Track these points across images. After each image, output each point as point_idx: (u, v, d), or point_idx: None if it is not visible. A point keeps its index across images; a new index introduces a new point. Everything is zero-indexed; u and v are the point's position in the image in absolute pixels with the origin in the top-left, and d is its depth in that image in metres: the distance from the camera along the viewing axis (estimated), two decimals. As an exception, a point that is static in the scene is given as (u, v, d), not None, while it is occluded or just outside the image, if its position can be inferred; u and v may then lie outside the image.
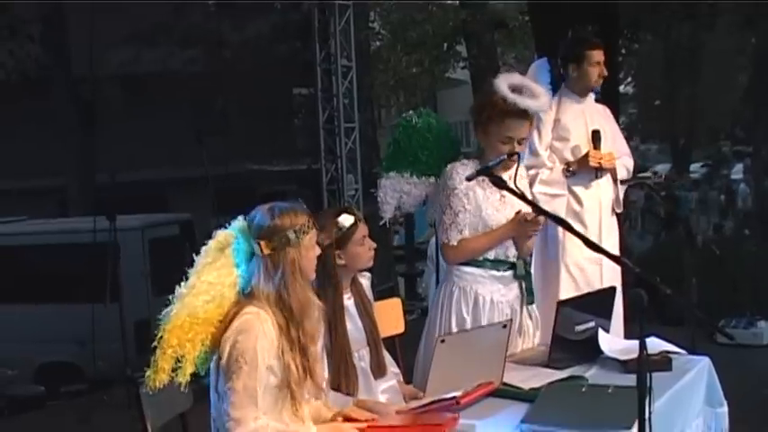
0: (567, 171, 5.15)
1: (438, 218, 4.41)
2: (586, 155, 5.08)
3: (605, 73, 5.23)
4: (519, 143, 4.30)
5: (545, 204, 5.01)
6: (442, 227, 4.35)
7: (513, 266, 4.45)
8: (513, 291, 4.47)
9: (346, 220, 3.82)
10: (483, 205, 4.33)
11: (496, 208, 4.34)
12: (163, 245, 10.58)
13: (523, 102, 4.24)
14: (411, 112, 4.73)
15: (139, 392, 3.40)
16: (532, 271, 5.06)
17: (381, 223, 4.71)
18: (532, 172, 5.09)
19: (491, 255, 4.39)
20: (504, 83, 4.30)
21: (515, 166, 4.04)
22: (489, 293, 4.38)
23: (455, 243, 4.33)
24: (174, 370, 3.11)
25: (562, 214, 5.01)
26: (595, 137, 5.12)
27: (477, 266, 4.38)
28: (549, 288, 5.07)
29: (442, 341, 3.62)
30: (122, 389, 7.75)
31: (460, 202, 4.30)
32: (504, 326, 3.87)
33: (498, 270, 4.41)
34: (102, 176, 16.86)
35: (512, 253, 4.44)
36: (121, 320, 8.40)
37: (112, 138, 18.87)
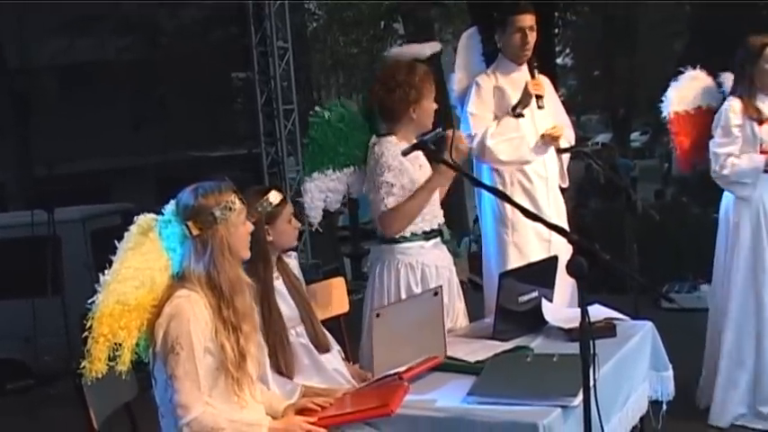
0: (513, 113, 5.07)
1: (373, 194, 4.41)
2: (526, 88, 5.02)
3: (529, 39, 5.09)
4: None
5: (509, 153, 5.00)
6: (378, 197, 4.37)
7: (440, 233, 4.55)
8: (445, 252, 4.60)
9: (275, 197, 3.84)
10: (414, 177, 4.40)
11: (421, 176, 4.43)
12: (105, 235, 10.35)
13: (426, 49, 4.44)
14: (317, 108, 4.68)
15: (81, 385, 3.35)
16: (484, 249, 5.13)
17: (314, 229, 4.71)
18: (480, 134, 5.07)
19: (427, 226, 4.46)
20: (406, 49, 4.45)
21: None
22: (433, 262, 4.47)
23: (393, 207, 4.35)
24: (113, 359, 3.07)
25: (527, 156, 5.07)
26: (531, 65, 5.11)
27: (416, 240, 4.44)
28: (501, 267, 5.03)
29: (378, 315, 3.64)
30: (69, 383, 7.63)
31: (396, 178, 4.34)
32: (436, 293, 3.91)
33: (433, 239, 4.51)
34: (40, 169, 16.63)
35: (439, 219, 4.56)
36: (65, 313, 8.29)
37: (49, 129, 18.62)
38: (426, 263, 4.45)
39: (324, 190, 4.60)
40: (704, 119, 5.59)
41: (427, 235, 4.48)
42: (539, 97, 5.02)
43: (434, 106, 4.47)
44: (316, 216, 4.61)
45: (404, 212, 4.36)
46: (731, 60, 5.52)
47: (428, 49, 4.72)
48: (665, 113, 5.62)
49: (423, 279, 4.41)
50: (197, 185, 3.24)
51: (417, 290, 4.38)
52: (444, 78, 5.39)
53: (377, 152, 4.39)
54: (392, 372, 3.51)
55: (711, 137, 5.45)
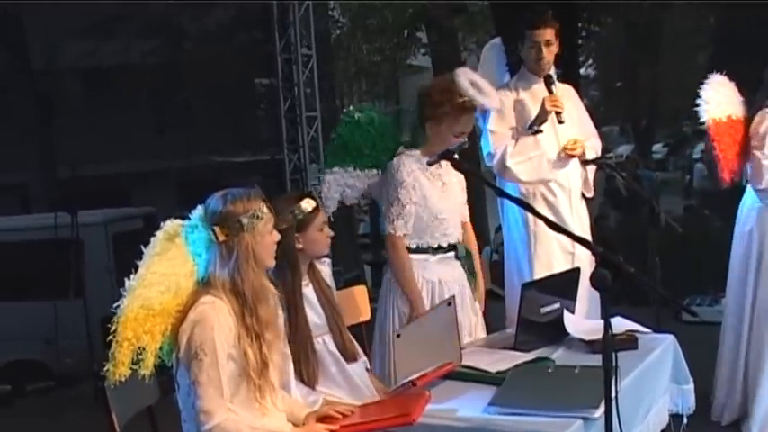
0: (530, 130, 5.05)
1: (385, 207, 4.50)
2: (543, 103, 5.00)
3: (544, 54, 5.06)
4: (464, 135, 4.48)
5: (529, 173, 4.98)
6: (389, 217, 4.46)
7: (454, 248, 4.61)
8: (457, 269, 4.64)
9: (308, 204, 3.84)
10: (428, 194, 4.47)
11: (440, 197, 4.52)
12: (127, 239, 10.43)
13: (481, 99, 4.38)
14: (351, 107, 4.83)
15: (104, 387, 3.37)
16: (506, 259, 5.12)
17: (328, 216, 4.75)
18: (499, 153, 5.07)
19: (434, 243, 4.54)
20: (464, 79, 4.39)
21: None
22: (436, 275, 4.53)
23: (401, 234, 4.45)
24: (136, 363, 3.09)
25: (547, 175, 5.06)
26: (548, 81, 5.08)
27: (423, 252, 4.53)
28: (523, 278, 5.02)
29: (398, 336, 3.65)
30: (90, 385, 7.68)
31: (408, 195, 4.42)
32: (449, 303, 3.92)
33: (441, 253, 4.57)
34: (63, 171, 16.70)
35: (453, 238, 4.60)
36: (86, 316, 8.33)
37: (73, 131, 18.70)
38: (426, 277, 4.53)
39: (342, 184, 4.71)
40: (738, 128, 5.55)
41: (434, 250, 4.55)
42: (558, 113, 5.02)
43: (458, 140, 4.44)
44: (330, 206, 4.68)
45: (402, 255, 4.48)
46: (755, 73, 5.50)
47: (479, 96, 4.59)
48: (703, 119, 5.49)
49: (424, 292, 4.49)
50: (226, 191, 3.25)
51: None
52: None
53: (395, 164, 4.48)
54: (406, 380, 3.53)
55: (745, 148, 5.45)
